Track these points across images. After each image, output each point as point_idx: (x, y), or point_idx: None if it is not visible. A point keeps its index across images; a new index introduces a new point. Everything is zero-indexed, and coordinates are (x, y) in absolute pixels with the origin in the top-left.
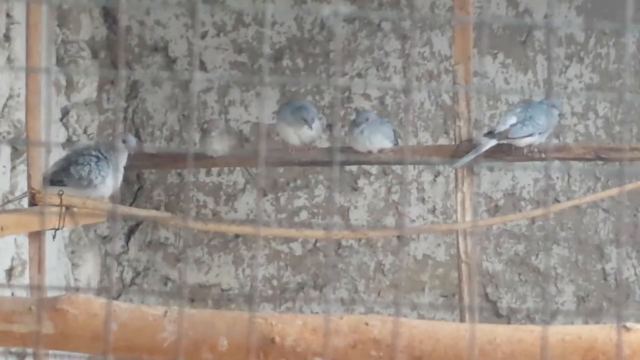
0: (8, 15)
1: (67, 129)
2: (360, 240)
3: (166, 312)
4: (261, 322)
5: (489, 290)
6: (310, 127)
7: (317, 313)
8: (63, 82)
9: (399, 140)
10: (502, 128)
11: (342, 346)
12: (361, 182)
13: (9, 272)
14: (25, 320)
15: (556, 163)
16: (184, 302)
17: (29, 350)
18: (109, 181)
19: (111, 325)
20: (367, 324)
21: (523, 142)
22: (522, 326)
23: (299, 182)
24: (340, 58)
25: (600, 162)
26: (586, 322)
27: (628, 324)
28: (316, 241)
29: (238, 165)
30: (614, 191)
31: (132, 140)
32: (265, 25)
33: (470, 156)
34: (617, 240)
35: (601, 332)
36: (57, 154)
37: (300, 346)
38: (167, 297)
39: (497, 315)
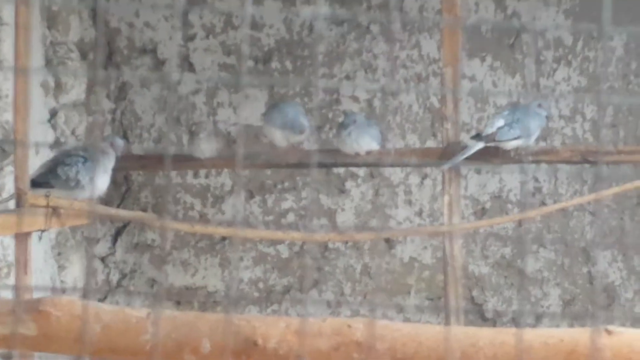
0: None
1: (55, 130)
2: (347, 242)
3: (149, 314)
4: (244, 324)
5: (474, 293)
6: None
7: (303, 315)
8: (52, 83)
9: (387, 143)
10: (489, 131)
11: (325, 348)
12: (348, 184)
13: None
14: (8, 322)
15: (543, 166)
16: (162, 303)
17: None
18: (96, 182)
19: (93, 326)
20: (349, 326)
21: (510, 144)
22: (504, 329)
23: (286, 184)
24: (320, 59)
25: (587, 165)
26: (572, 326)
27: (610, 327)
28: (303, 243)
29: (225, 167)
30: (600, 194)
31: (120, 142)
32: (244, 24)
33: (458, 158)
34: (603, 243)
35: (583, 335)
36: (45, 156)
37: (282, 348)
38: (154, 299)
39: (482, 318)
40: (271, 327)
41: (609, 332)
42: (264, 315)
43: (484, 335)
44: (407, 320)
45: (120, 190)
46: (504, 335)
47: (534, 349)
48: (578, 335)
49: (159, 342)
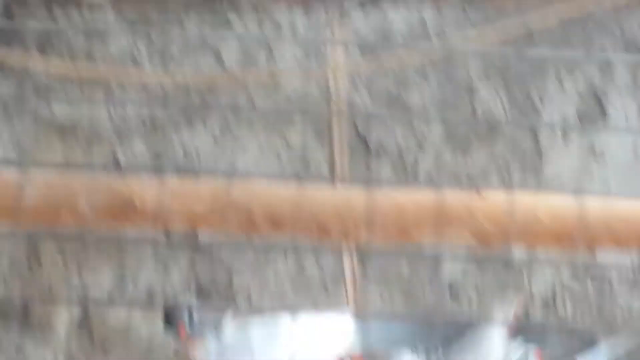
0: None
1: None
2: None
3: (26, 176)
4: (121, 185)
5: (359, 126)
6: None
7: (189, 148)
8: None
9: None
10: None
11: (201, 211)
12: (232, 18)
13: None
14: None
15: (428, 3)
16: (47, 137)
17: None
18: None
19: None
20: (227, 187)
21: None
22: (378, 191)
23: (170, 16)
24: None
25: (473, 4)
26: (455, 157)
27: (482, 190)
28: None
29: (109, 4)
30: (485, 32)
31: None
32: None
33: None
34: (486, 77)
35: (454, 197)
36: None
37: (160, 210)
38: (37, 132)
39: (367, 150)
40: (147, 188)
41: (479, 194)
42: (140, 177)
43: (360, 197)
44: (291, 153)
45: (4, 31)
46: (379, 196)
47: (406, 210)
48: (449, 197)
49: (34, 203)
